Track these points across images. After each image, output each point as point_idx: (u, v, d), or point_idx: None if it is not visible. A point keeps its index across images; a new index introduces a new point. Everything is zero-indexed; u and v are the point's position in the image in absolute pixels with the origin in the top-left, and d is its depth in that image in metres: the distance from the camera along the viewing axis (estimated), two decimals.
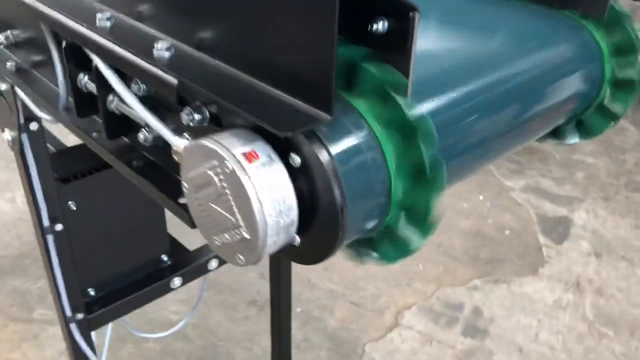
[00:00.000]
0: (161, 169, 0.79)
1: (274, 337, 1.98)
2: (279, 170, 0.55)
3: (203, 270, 1.63)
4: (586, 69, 0.85)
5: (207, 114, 0.64)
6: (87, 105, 0.81)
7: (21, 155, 1.17)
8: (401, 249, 0.63)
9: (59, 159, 1.38)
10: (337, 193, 0.54)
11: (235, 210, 0.56)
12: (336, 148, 0.56)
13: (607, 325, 2.45)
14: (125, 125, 0.78)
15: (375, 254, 0.66)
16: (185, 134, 0.65)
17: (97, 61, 0.72)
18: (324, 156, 0.54)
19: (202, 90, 0.57)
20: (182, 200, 0.70)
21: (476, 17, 0.88)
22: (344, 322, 2.43)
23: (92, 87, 0.79)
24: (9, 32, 1.05)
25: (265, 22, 0.56)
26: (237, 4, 0.58)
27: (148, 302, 1.54)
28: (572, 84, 0.84)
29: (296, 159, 0.55)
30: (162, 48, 0.64)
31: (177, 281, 1.58)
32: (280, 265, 1.81)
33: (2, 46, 1.06)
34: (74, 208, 1.34)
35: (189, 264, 1.62)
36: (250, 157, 0.54)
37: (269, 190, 0.54)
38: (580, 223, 3.04)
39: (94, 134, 0.85)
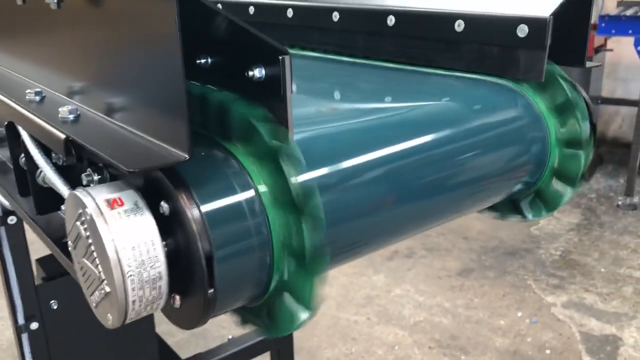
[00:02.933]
0: None
1: None
2: (145, 218, 0.52)
3: None
4: (524, 133, 0.79)
5: (108, 175, 0.63)
6: (27, 183, 0.82)
7: None
8: (285, 323, 0.58)
9: (46, 258, 1.39)
10: (202, 242, 0.51)
11: (98, 261, 0.52)
12: (205, 195, 0.53)
13: None
14: (54, 200, 0.78)
15: (260, 323, 0.60)
16: None
17: (21, 131, 0.74)
18: (189, 203, 0.51)
19: (80, 142, 0.57)
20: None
21: (397, 85, 0.86)
22: None
23: None
24: None
25: (121, 73, 0.57)
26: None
27: None
28: (508, 150, 0.77)
29: (164, 207, 0.52)
30: (66, 111, 0.65)
31: None
32: None
33: None
34: (55, 307, 1.32)
35: None
36: (113, 203, 0.52)
37: (130, 238, 0.51)
38: (631, 342, 2.77)
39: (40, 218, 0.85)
